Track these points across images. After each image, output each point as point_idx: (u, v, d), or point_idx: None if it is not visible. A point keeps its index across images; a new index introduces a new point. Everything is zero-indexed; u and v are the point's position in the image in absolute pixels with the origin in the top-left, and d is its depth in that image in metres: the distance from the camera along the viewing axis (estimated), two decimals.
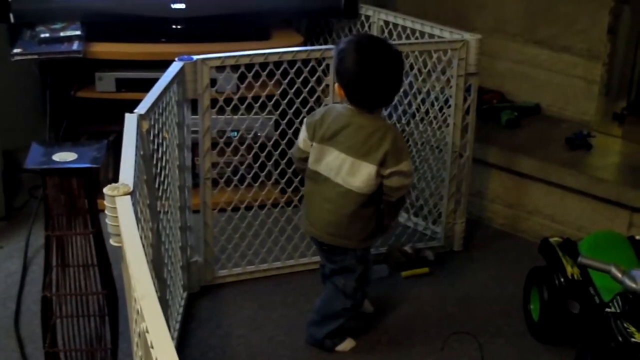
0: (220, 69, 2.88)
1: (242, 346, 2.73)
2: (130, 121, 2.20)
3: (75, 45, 3.36)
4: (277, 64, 2.93)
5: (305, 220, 2.68)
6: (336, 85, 2.54)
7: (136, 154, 2.01)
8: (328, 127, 2.54)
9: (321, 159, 2.55)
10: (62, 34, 3.40)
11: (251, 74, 2.92)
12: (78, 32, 3.41)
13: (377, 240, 2.72)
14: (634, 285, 2.32)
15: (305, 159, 2.61)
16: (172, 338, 2.60)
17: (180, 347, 2.69)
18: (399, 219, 3.44)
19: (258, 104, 2.99)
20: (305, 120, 2.64)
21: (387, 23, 3.50)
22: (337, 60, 2.52)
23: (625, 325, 2.31)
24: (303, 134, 2.61)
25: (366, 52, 2.47)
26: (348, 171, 2.50)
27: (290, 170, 3.07)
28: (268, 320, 2.87)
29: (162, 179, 2.52)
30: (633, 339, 2.26)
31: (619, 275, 2.38)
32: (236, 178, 3.07)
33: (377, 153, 2.47)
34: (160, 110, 2.51)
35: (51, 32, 3.40)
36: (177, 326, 2.76)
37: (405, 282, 3.12)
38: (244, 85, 2.97)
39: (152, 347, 1.23)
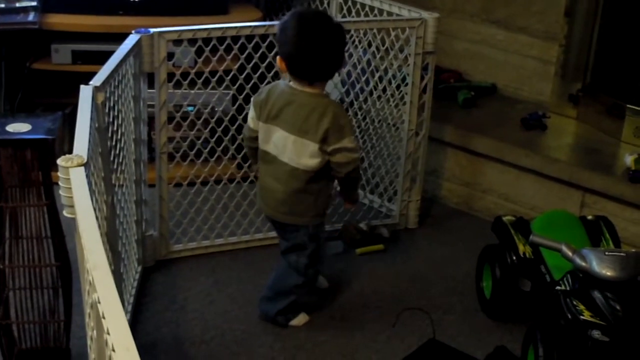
0: (178, 42, 2.87)
1: (196, 320, 2.73)
2: (85, 93, 2.18)
3: (31, 17, 3.33)
4: (235, 39, 2.93)
5: (259, 199, 2.70)
6: (278, 58, 2.53)
7: (91, 126, 2.00)
8: (272, 105, 2.54)
9: (269, 138, 2.56)
10: (17, 4, 3.37)
11: (209, 48, 2.91)
12: (34, 3, 3.38)
13: (328, 216, 2.72)
14: (584, 264, 2.36)
15: (256, 138, 2.61)
16: (126, 312, 2.62)
17: (135, 321, 2.69)
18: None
19: (215, 79, 2.98)
20: (252, 98, 2.64)
21: (345, 0, 3.50)
22: (279, 32, 2.52)
23: (574, 303, 2.34)
24: (251, 112, 2.62)
25: (307, 24, 2.48)
26: (292, 149, 2.50)
27: None
28: (223, 295, 2.87)
29: (117, 152, 2.51)
30: (582, 317, 2.30)
31: (570, 254, 2.41)
32: (192, 153, 3.07)
33: (317, 130, 2.47)
34: (116, 83, 2.50)
35: (7, 3, 3.37)
36: (132, 300, 2.75)
37: (360, 259, 3.14)
38: (201, 59, 2.96)
39: (104, 318, 1.23)
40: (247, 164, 3.14)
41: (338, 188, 2.70)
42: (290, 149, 2.51)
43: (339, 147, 2.48)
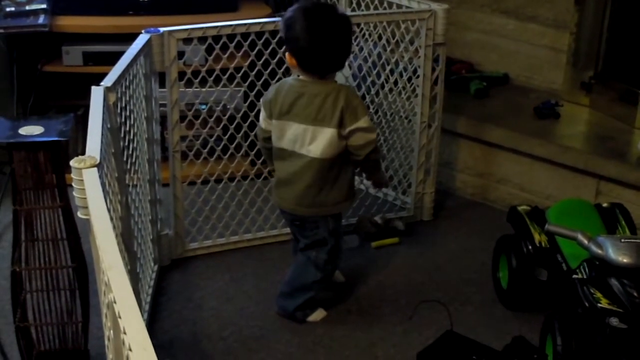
0: (188, 41, 2.87)
1: (213, 318, 2.74)
2: (96, 94, 2.19)
3: (41, 19, 3.33)
4: (245, 36, 2.93)
5: (276, 197, 2.69)
6: (287, 54, 2.54)
7: (103, 127, 2.00)
8: (282, 102, 2.54)
9: (283, 135, 2.56)
10: (27, 7, 3.38)
11: (219, 45, 2.91)
12: (44, 6, 3.39)
13: (350, 207, 2.76)
14: (600, 252, 2.35)
15: (269, 139, 2.62)
16: (144, 311, 2.63)
17: (152, 320, 2.69)
18: (370, 190, 3.46)
19: (226, 76, 2.98)
20: (261, 100, 2.65)
21: None
22: (285, 28, 2.52)
23: (591, 291, 2.33)
24: (262, 114, 2.63)
25: (314, 18, 2.48)
26: (310, 140, 2.51)
27: None
28: (239, 292, 2.88)
29: (130, 152, 2.52)
30: (599, 305, 2.29)
31: (586, 242, 2.41)
32: (205, 151, 3.07)
33: (333, 115, 2.48)
34: (128, 83, 2.50)
35: (16, 6, 3.38)
36: (148, 299, 2.76)
37: (376, 252, 3.14)
38: (211, 57, 2.96)
39: (120, 318, 1.23)
40: (260, 161, 3.13)
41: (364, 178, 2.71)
42: (308, 140, 2.52)
43: (355, 127, 2.49)
